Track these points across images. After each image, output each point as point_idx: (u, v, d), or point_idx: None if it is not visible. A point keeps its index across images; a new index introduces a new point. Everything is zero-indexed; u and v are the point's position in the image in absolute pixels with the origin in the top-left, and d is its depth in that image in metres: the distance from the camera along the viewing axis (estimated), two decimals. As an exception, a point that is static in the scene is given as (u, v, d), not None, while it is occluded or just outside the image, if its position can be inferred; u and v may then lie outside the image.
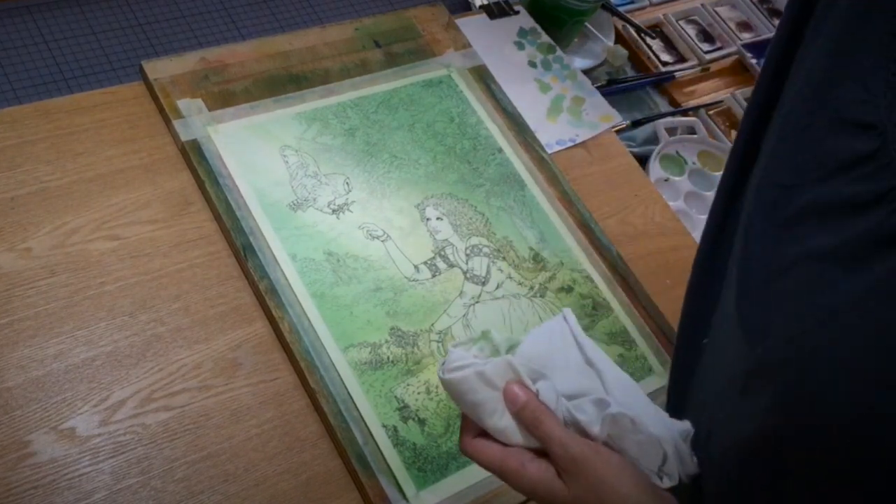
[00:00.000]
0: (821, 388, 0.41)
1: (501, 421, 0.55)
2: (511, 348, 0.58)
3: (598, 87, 1.19)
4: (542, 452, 0.55)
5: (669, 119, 1.27)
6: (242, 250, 0.84)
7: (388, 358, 0.82)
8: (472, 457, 0.57)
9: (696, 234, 1.10)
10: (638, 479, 0.52)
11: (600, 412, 0.53)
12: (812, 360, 0.41)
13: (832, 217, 0.42)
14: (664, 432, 0.53)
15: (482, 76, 1.07)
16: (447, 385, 0.57)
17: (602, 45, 1.31)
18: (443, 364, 0.57)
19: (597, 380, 0.56)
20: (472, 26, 1.14)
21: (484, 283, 0.90)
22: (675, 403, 0.57)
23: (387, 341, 0.83)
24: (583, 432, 0.54)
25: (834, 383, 0.40)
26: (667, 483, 0.53)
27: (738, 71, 1.42)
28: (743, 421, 0.47)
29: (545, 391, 0.55)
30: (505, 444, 0.56)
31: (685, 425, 0.54)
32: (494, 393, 0.55)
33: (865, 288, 0.39)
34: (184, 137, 0.89)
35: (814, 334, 0.41)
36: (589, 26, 1.31)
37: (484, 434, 0.57)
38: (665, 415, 0.55)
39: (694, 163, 1.22)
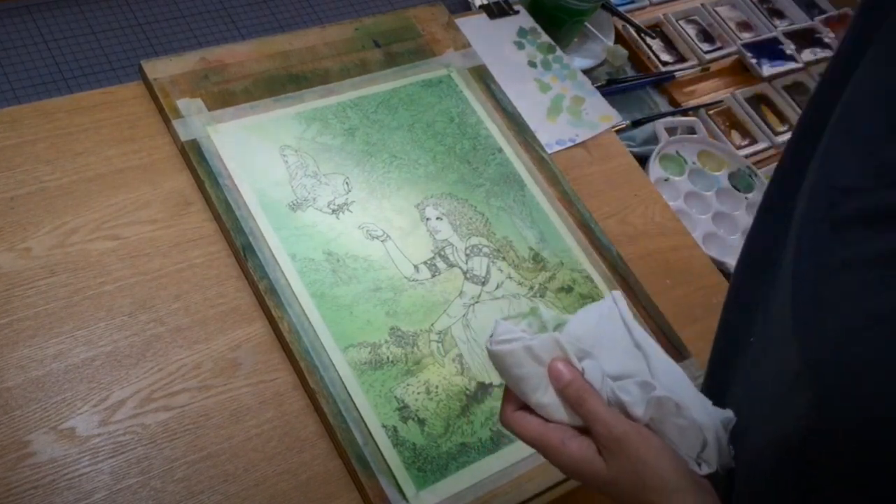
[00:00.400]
0: (861, 392, 0.41)
1: (545, 397, 0.55)
2: (558, 326, 0.58)
3: (598, 87, 1.19)
4: (583, 430, 0.55)
5: (669, 119, 1.27)
6: (242, 250, 0.84)
7: (388, 358, 0.82)
8: (512, 429, 0.57)
9: (696, 234, 1.10)
10: (677, 464, 0.52)
11: (645, 394, 0.54)
12: (856, 364, 0.41)
13: (884, 225, 0.42)
14: (706, 419, 0.53)
15: (482, 76, 1.07)
16: (494, 357, 0.57)
17: (602, 45, 1.31)
18: (491, 336, 0.57)
19: (643, 362, 0.56)
20: (472, 26, 1.14)
21: (484, 283, 0.90)
22: (714, 399, 0.57)
23: (386, 341, 0.83)
24: (625, 413, 0.54)
25: (877, 388, 0.40)
26: (705, 470, 0.53)
27: (738, 71, 1.42)
28: (783, 419, 0.47)
29: (591, 370, 0.55)
30: (546, 420, 0.56)
31: (727, 413, 0.55)
32: (540, 368, 0.56)
33: None
34: (183, 137, 0.89)
35: (861, 339, 0.41)
36: (589, 26, 1.31)
37: (525, 408, 0.57)
38: (708, 402, 0.55)
39: (694, 163, 1.22)
